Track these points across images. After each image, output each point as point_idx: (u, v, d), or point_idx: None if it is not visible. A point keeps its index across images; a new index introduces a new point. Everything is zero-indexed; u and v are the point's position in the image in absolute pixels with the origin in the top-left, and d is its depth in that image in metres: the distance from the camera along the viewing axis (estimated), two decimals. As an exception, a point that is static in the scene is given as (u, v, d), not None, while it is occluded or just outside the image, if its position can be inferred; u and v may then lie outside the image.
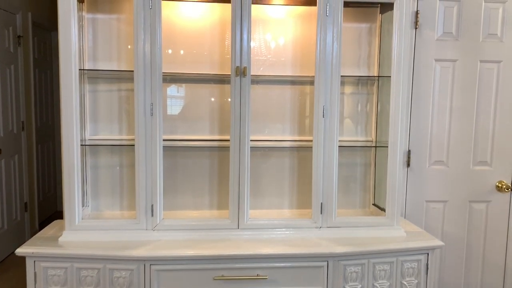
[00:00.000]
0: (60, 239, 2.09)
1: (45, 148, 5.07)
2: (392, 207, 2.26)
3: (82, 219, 2.13)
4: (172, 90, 2.44)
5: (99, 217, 2.37)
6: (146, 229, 2.13)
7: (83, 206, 2.27)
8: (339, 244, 2.12)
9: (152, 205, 2.12)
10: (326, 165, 2.21)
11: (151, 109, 2.08)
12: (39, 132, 4.81)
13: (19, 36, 4.15)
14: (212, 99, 2.44)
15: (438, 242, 2.20)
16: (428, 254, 2.19)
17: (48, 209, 5.22)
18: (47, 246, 2.03)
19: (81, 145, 2.13)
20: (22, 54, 4.22)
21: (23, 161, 4.30)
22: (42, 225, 4.66)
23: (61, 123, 2.06)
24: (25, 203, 4.35)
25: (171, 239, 2.13)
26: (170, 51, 2.39)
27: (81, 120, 2.18)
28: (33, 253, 1.98)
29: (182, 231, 2.16)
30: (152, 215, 2.13)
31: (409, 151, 2.61)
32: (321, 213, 2.22)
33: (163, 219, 2.16)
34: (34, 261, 1.99)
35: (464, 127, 2.62)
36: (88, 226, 2.12)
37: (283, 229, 2.22)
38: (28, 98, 4.40)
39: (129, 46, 2.34)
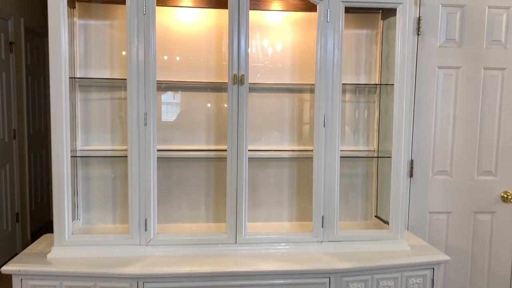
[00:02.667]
0: (48, 255, 1.99)
1: (37, 157, 4.96)
2: (396, 220, 2.18)
3: (72, 234, 2.04)
4: (167, 98, 2.36)
5: (90, 230, 2.27)
6: (140, 245, 2.04)
7: (74, 219, 2.18)
8: (341, 259, 2.03)
9: (145, 219, 2.03)
10: (327, 176, 2.12)
11: (145, 119, 1.99)
12: (31, 140, 4.70)
13: (11, 43, 4.06)
14: (208, 107, 2.36)
15: (444, 257, 2.12)
16: (433, 269, 2.11)
17: (40, 219, 5.10)
18: (35, 263, 1.93)
19: (71, 156, 2.03)
20: (14, 60, 4.13)
21: (15, 170, 4.19)
22: (35, 235, 4.55)
23: (51, 133, 1.97)
24: (17, 214, 4.24)
25: (166, 254, 2.03)
26: (166, 57, 2.31)
27: (72, 130, 2.11)
28: (19, 270, 1.88)
29: (177, 246, 2.06)
30: (146, 229, 2.04)
31: (412, 160, 2.54)
32: (322, 227, 2.14)
33: (157, 233, 2.06)
34: (21, 279, 1.89)
35: (468, 136, 2.55)
36: (78, 241, 2.03)
37: (283, 244, 2.13)
38: (20, 106, 4.30)
39: (123, 53, 2.26)
